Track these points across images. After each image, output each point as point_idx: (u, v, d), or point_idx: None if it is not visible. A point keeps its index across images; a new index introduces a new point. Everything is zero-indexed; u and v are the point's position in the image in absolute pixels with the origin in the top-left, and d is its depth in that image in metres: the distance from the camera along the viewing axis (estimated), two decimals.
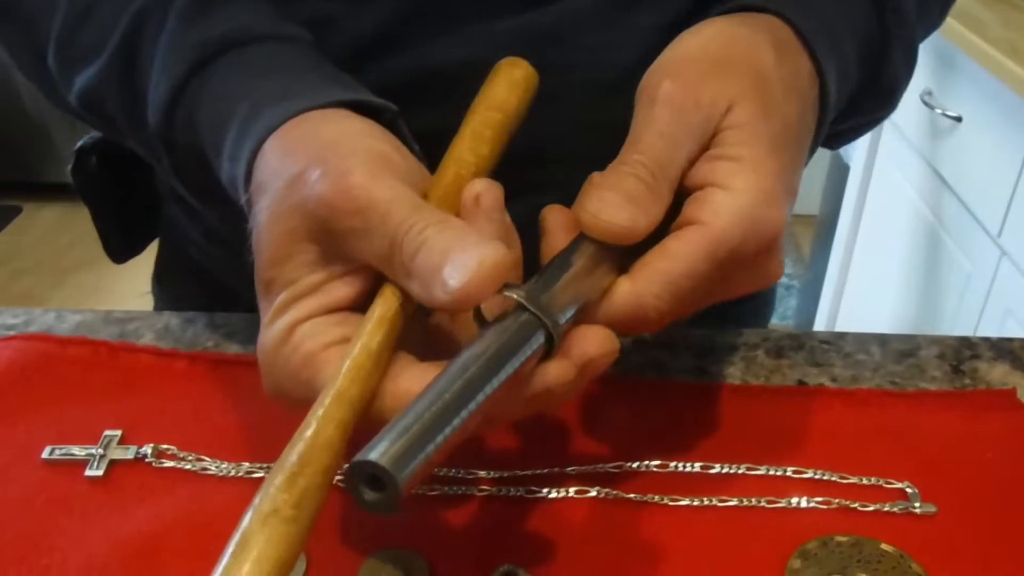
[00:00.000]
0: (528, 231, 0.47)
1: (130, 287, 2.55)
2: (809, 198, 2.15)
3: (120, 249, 0.66)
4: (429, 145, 0.40)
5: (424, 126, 0.41)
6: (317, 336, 0.34)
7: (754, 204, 0.36)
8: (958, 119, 1.41)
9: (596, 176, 0.38)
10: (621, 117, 0.44)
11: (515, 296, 0.33)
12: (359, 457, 0.27)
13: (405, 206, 0.33)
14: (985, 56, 1.26)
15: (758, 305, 0.71)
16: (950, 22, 1.32)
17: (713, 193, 0.37)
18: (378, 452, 0.27)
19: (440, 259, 0.31)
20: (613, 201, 0.36)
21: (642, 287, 0.36)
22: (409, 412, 0.29)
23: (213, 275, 0.63)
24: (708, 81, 0.39)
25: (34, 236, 2.91)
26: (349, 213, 0.33)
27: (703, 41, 0.41)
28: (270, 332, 0.35)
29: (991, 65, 1.25)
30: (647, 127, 0.38)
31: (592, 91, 0.50)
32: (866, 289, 1.85)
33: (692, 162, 0.38)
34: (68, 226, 2.94)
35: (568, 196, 0.44)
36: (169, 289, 0.70)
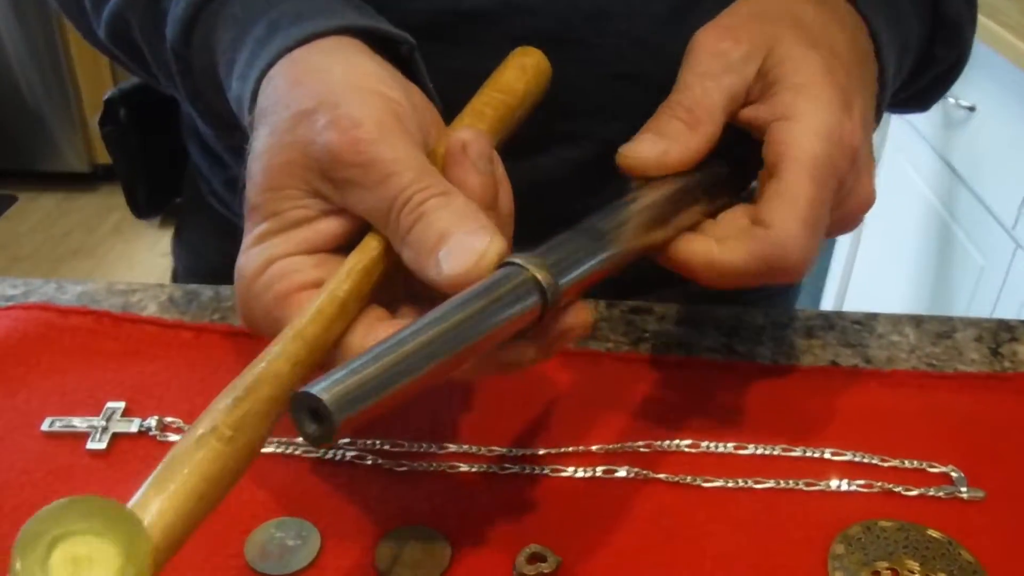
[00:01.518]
0: (557, 184, 0.46)
1: (127, 275, 2.52)
2: None
3: (144, 203, 0.66)
4: (449, 87, 0.39)
5: (447, 65, 0.40)
6: (293, 275, 0.33)
7: (826, 120, 0.37)
8: (972, 109, 1.39)
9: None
10: (651, 71, 0.44)
11: (517, 261, 0.31)
12: (304, 388, 0.26)
13: (411, 170, 0.32)
14: (1002, 42, 1.24)
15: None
16: None
17: (781, 125, 0.37)
18: (322, 387, 0.26)
19: (437, 239, 0.31)
20: (642, 138, 0.38)
21: (780, 235, 0.36)
22: (368, 353, 0.28)
23: (235, 225, 0.62)
24: (745, 25, 0.40)
25: (30, 225, 2.88)
26: (352, 166, 0.32)
27: (739, 2, 0.42)
28: (247, 259, 0.34)
29: (1008, 51, 1.22)
30: (683, 72, 0.39)
31: (624, 42, 0.49)
32: (872, 285, 1.83)
33: (739, 97, 0.39)
34: (64, 215, 2.92)
35: (597, 148, 0.43)
36: (188, 242, 0.69)
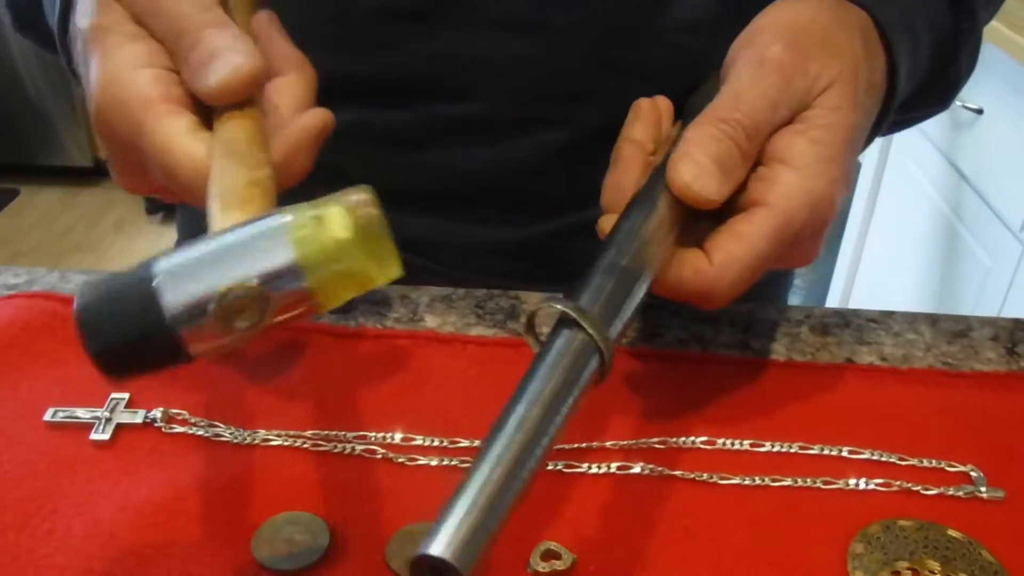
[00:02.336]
0: (535, 167, 0.46)
1: None
2: None
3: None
4: (430, 69, 0.43)
5: (428, 48, 0.43)
6: (163, 83, 0.35)
7: (822, 191, 0.37)
8: (979, 111, 1.38)
9: (691, 132, 0.37)
10: (629, 57, 0.44)
11: (570, 313, 0.30)
12: (422, 551, 0.25)
13: (196, 7, 0.35)
14: (1013, 45, 1.23)
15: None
16: None
17: (784, 172, 0.37)
18: (442, 544, 0.25)
19: (208, 58, 0.34)
20: (707, 169, 0.36)
21: (717, 272, 0.36)
22: (470, 481, 0.26)
23: None
24: (817, 54, 0.39)
25: (31, 219, 2.87)
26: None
27: (811, 14, 0.41)
28: (116, 57, 0.35)
29: (1017, 54, 1.22)
30: (752, 85, 0.38)
31: (601, 27, 0.49)
32: (878, 287, 1.82)
33: (779, 128, 0.38)
34: (66, 210, 2.91)
35: (575, 133, 0.43)
36: (192, 215, 0.69)
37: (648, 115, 0.43)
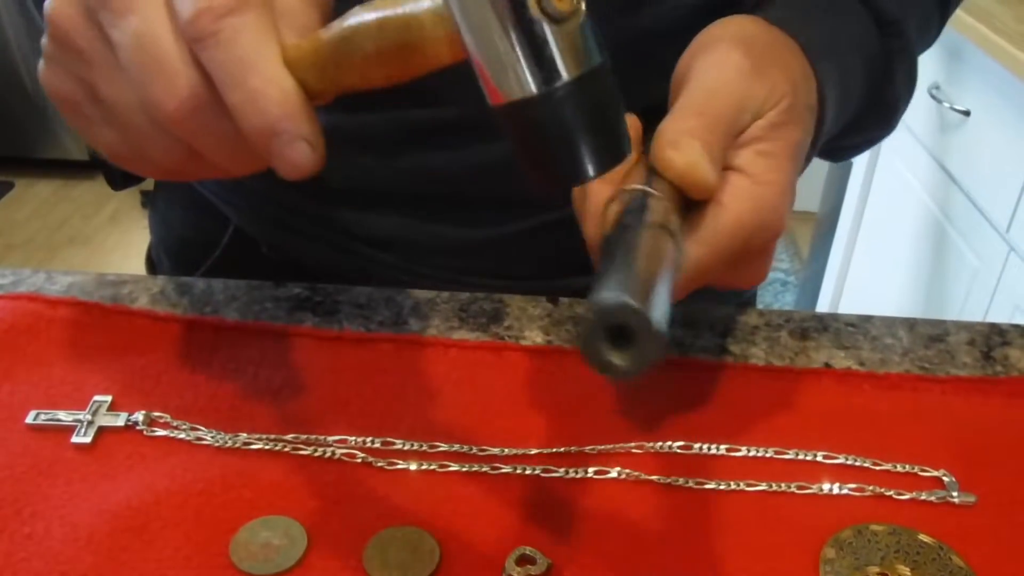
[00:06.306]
0: (510, 170, 0.46)
1: (123, 264, 2.51)
2: (809, 195, 2.13)
3: (120, 174, 0.66)
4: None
5: None
6: None
7: (772, 200, 0.37)
8: (967, 113, 1.39)
9: (671, 123, 0.37)
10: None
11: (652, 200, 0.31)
12: (597, 301, 0.21)
13: None
14: (997, 49, 1.24)
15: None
16: (960, 15, 1.30)
17: (734, 176, 0.37)
18: (620, 295, 0.21)
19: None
20: (701, 153, 0.35)
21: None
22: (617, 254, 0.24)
23: (205, 199, 0.63)
24: (771, 64, 0.39)
25: (26, 212, 2.87)
26: None
27: (757, 30, 0.41)
28: None
29: (1004, 58, 1.22)
30: (723, 85, 0.38)
31: None
32: (868, 286, 1.83)
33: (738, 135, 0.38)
34: (60, 202, 2.91)
35: None
36: (160, 213, 0.70)
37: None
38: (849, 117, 0.47)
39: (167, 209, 0.69)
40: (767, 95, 0.38)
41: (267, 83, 0.29)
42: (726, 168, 0.37)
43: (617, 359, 0.22)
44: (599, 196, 0.36)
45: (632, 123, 0.43)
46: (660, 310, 0.22)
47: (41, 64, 0.34)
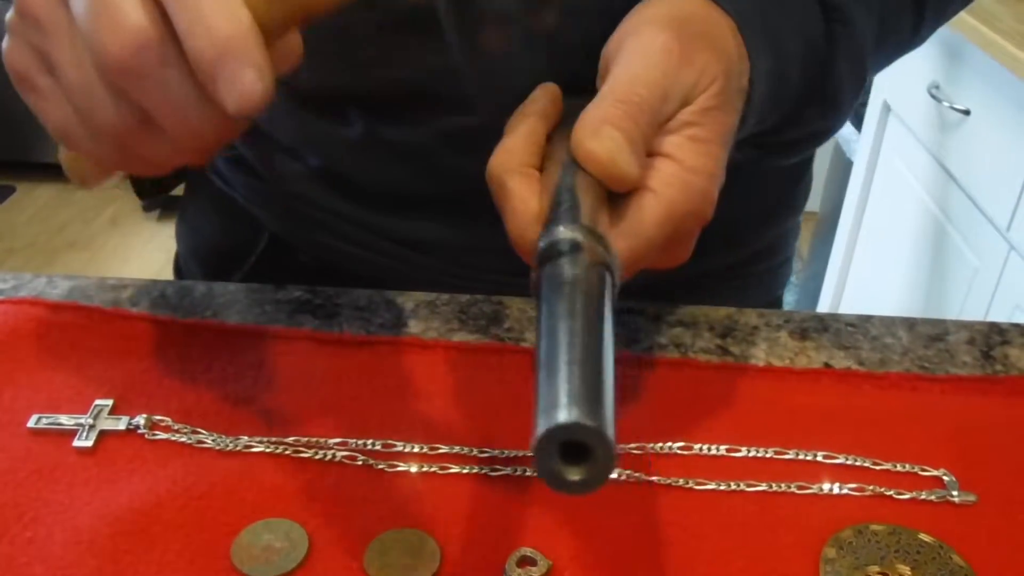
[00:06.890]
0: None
1: (123, 268, 2.52)
2: (809, 194, 2.13)
3: (148, 184, 0.65)
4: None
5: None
6: None
7: (701, 186, 0.36)
8: (966, 112, 1.39)
9: (593, 111, 0.36)
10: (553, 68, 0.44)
11: (579, 238, 0.30)
12: (548, 424, 0.21)
13: None
14: (997, 48, 1.24)
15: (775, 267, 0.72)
16: (960, 14, 1.29)
17: (663, 163, 0.36)
18: (568, 409, 0.21)
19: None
20: (622, 144, 0.34)
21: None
22: (556, 350, 0.24)
23: (238, 205, 0.63)
24: (702, 47, 0.38)
25: (27, 215, 2.88)
26: None
27: (691, 9, 0.40)
28: None
29: (1004, 58, 1.22)
30: (647, 70, 0.36)
31: (602, 41, 0.48)
32: (869, 286, 1.83)
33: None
34: (62, 206, 2.91)
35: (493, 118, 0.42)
36: (190, 222, 0.69)
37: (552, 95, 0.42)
38: (789, 104, 0.45)
39: (197, 217, 0.68)
40: (696, 80, 0.37)
41: (217, 3, 0.29)
42: (655, 154, 0.36)
43: (574, 475, 0.22)
44: (523, 193, 0.37)
45: (551, 94, 0.42)
46: (609, 416, 0.23)
47: (6, 40, 0.34)
